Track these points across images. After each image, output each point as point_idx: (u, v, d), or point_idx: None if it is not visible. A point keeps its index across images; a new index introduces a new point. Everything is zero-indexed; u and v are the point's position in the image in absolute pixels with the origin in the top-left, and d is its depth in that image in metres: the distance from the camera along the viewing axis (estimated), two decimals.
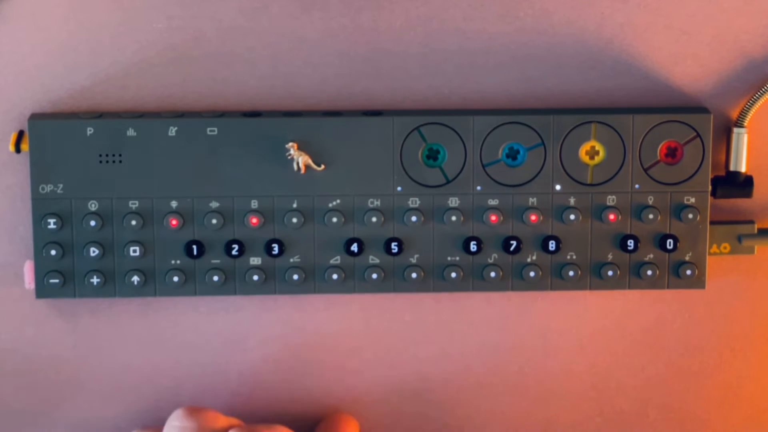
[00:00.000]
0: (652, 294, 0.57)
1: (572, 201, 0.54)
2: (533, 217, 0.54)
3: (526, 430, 0.58)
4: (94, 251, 0.54)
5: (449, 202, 0.54)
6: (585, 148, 0.54)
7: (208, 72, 0.54)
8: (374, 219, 0.54)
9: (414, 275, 0.55)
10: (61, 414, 0.57)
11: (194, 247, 0.54)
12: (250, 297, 0.56)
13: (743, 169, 0.55)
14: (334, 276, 0.54)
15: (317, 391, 0.58)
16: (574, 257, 0.55)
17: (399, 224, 0.54)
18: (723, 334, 0.58)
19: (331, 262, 0.54)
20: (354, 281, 0.55)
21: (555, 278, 0.55)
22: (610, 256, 0.55)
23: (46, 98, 0.54)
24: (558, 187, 0.54)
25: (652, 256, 0.55)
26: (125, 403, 0.57)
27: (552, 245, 0.54)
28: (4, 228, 0.55)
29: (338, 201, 0.54)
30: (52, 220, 0.53)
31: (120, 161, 0.53)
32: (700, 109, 0.55)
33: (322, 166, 0.54)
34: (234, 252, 0.54)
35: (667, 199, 0.54)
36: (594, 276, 0.55)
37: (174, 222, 0.54)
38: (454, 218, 0.54)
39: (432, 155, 0.54)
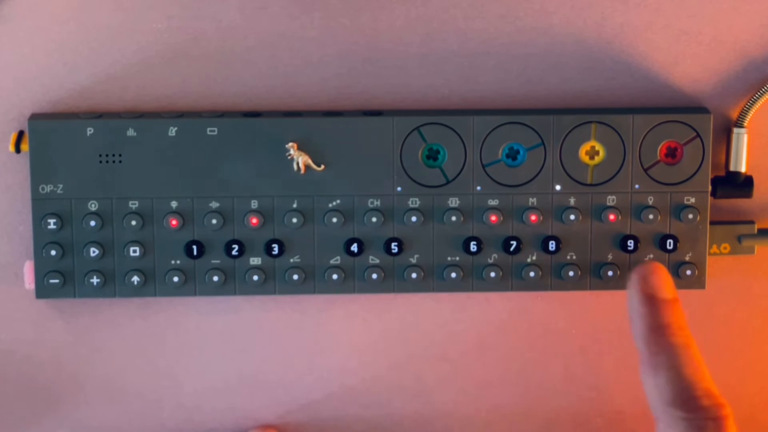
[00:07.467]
0: None
1: (572, 201, 0.54)
2: (533, 217, 0.54)
3: (526, 431, 0.58)
4: (94, 251, 0.54)
5: (449, 202, 0.54)
6: (585, 148, 0.54)
7: (208, 72, 0.54)
8: (374, 219, 0.54)
9: (414, 275, 0.54)
10: (61, 414, 0.57)
11: (194, 247, 0.54)
12: (250, 297, 0.56)
13: (743, 169, 0.55)
14: (334, 276, 0.54)
15: (317, 392, 0.58)
16: (574, 257, 0.55)
17: (399, 224, 0.54)
18: (723, 334, 0.58)
19: (331, 262, 0.54)
20: (354, 281, 0.55)
21: (555, 278, 0.55)
22: (610, 256, 0.55)
23: (46, 98, 0.54)
24: (558, 187, 0.54)
25: (652, 256, 0.55)
26: (125, 403, 0.57)
27: (552, 245, 0.54)
28: (4, 228, 0.55)
29: (338, 201, 0.54)
30: (52, 220, 0.53)
31: (120, 161, 0.53)
32: (700, 109, 0.55)
33: (322, 166, 0.54)
34: (234, 252, 0.54)
35: (667, 199, 0.54)
36: (594, 276, 0.55)
37: (174, 222, 0.54)
38: (454, 218, 0.54)
39: (432, 155, 0.54)
